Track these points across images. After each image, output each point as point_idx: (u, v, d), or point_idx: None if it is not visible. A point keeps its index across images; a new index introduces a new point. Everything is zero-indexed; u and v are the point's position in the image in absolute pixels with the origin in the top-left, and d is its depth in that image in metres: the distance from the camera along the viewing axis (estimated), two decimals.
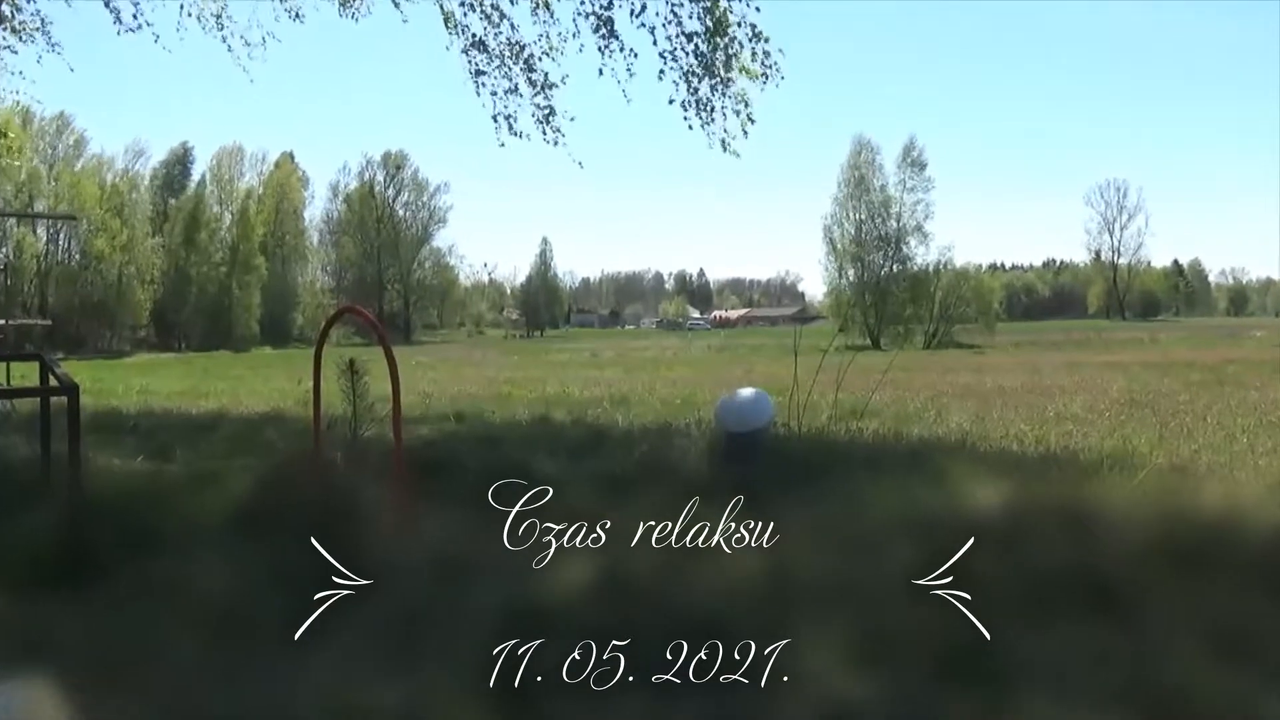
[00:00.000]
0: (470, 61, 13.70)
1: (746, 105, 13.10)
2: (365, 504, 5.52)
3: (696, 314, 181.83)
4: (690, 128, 13.09)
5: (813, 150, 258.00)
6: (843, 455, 7.32)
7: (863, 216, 77.50)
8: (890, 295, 75.32)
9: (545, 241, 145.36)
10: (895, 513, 5.55)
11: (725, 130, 13.13)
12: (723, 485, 6.40)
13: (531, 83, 13.61)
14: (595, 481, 6.66)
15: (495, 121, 13.64)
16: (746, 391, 8.35)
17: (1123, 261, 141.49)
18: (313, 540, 4.29)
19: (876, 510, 5.57)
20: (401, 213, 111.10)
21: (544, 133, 13.67)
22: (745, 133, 13.26)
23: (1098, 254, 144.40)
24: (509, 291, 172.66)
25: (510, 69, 13.59)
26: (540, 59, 13.60)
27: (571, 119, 13.69)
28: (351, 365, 5.61)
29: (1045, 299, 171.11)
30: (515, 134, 13.56)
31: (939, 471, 6.67)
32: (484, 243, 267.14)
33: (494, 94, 13.66)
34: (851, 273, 78.10)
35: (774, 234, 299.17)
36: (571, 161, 13.96)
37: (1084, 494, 5.88)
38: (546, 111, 13.60)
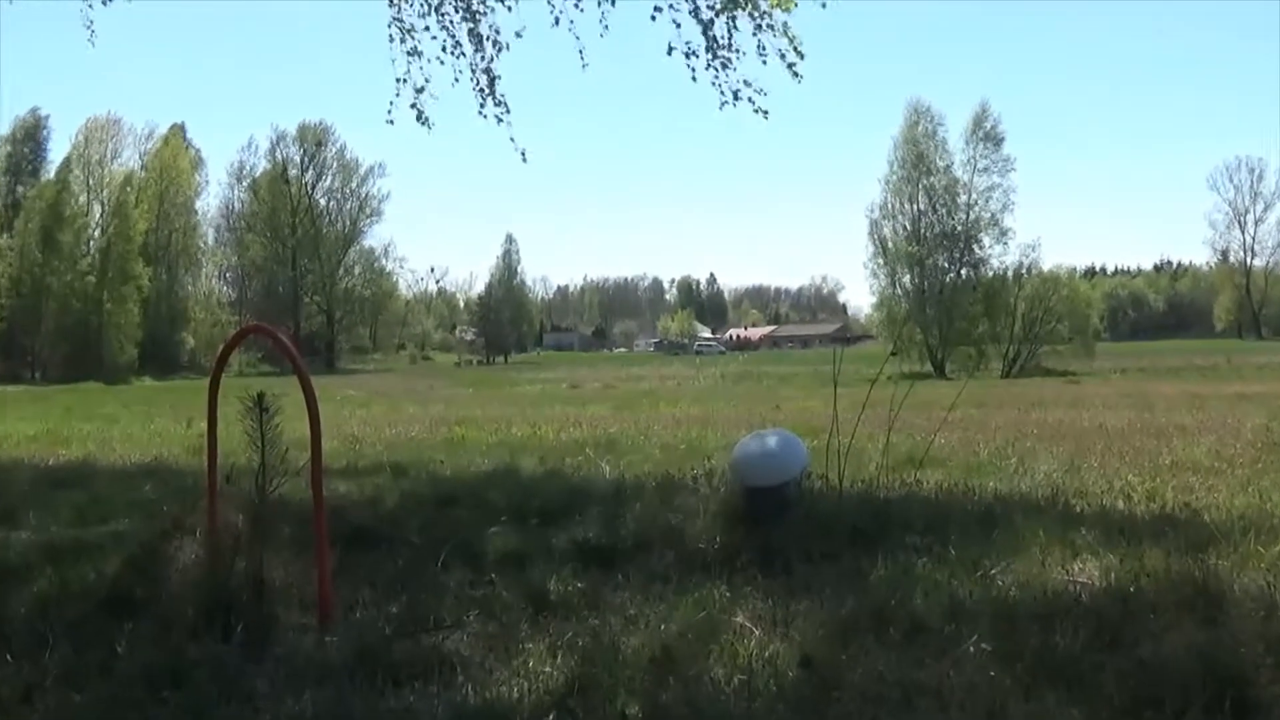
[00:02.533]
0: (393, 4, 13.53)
1: (789, 37, 12.80)
2: (272, 587, 5.50)
3: (707, 333, 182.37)
4: (695, 78, 12.99)
5: (856, 122, 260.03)
6: (897, 517, 7.28)
7: (921, 207, 77.54)
8: (958, 308, 75.26)
9: (510, 240, 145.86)
10: (965, 595, 5.53)
11: (745, 83, 12.97)
12: (740, 558, 6.39)
13: (476, 39, 13.49)
14: (573, 555, 6.64)
15: (416, 92, 13.43)
16: (771, 435, 8.32)
17: (1258, 263, 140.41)
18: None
19: (941, 593, 5.55)
20: (324, 203, 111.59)
21: (482, 106, 13.61)
22: (795, 73, 12.97)
23: (1225, 254, 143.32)
24: (464, 305, 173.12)
25: (450, 19, 13.42)
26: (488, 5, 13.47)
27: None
28: (258, 401, 5.57)
29: (1158, 313, 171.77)
30: (423, 121, 13.39)
31: (1021, 539, 6.67)
32: (431, 242, 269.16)
33: (417, 55, 13.48)
34: (907, 279, 78.09)
35: (806, 230, 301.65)
36: (523, 148, 13.73)
37: (1210, 567, 5.87)
38: (488, 79, 13.50)
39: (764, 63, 12.94)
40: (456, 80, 13.59)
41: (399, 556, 6.68)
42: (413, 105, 13.44)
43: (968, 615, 5.14)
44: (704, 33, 12.92)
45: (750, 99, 13.11)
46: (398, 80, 13.39)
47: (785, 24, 12.85)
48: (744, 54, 13.00)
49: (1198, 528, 7.06)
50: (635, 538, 6.97)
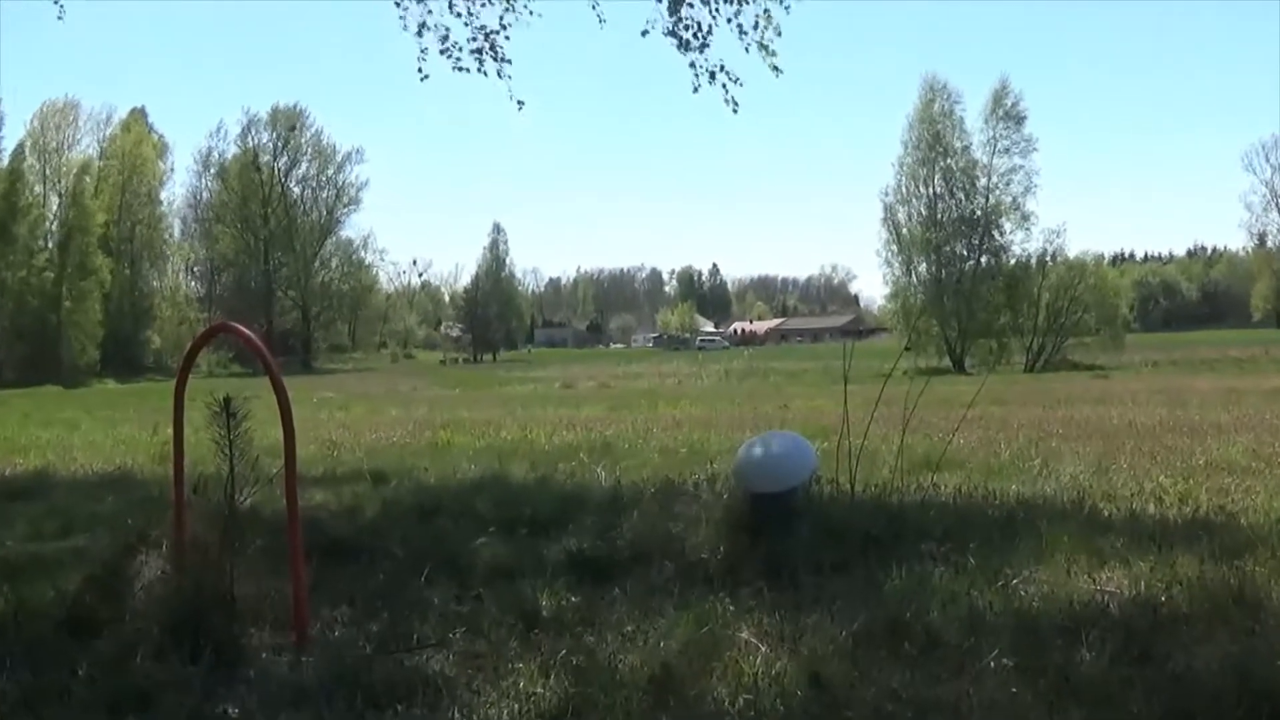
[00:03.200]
0: None
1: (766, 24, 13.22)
2: (243, 605, 5.49)
3: (709, 327, 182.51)
4: (685, 49, 13.29)
5: (869, 103, 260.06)
6: (912, 524, 7.28)
7: (938, 190, 77.67)
8: (978, 298, 75.34)
9: (498, 230, 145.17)
10: (985, 607, 5.54)
11: (723, 70, 13.34)
12: (744, 569, 6.40)
13: None
14: (566, 567, 6.64)
15: (420, 35, 13.65)
16: (777, 437, 8.33)
17: None
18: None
19: (959, 605, 5.55)
20: (298, 191, 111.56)
21: (480, 63, 13.75)
22: (774, 65, 13.36)
23: (1262, 238, 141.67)
24: (448, 299, 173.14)
25: None
26: None
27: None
28: (226, 405, 5.56)
29: (1192, 302, 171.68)
30: (451, 58, 13.62)
31: (1045, 546, 6.67)
32: (413, 233, 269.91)
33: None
34: (924, 268, 78.23)
35: (814, 216, 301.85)
36: (513, 101, 14.00)
37: (1246, 574, 5.88)
38: (487, 35, 13.62)
39: (745, 50, 13.22)
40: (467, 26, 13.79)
41: (380, 570, 6.68)
42: (443, 51, 13.76)
43: (988, 628, 5.15)
44: (670, 10, 13.19)
45: (724, 85, 13.37)
46: (418, 30, 13.69)
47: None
48: (718, 24, 13.23)
49: (1233, 532, 7.08)
50: (633, 549, 6.98)
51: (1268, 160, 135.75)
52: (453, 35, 13.81)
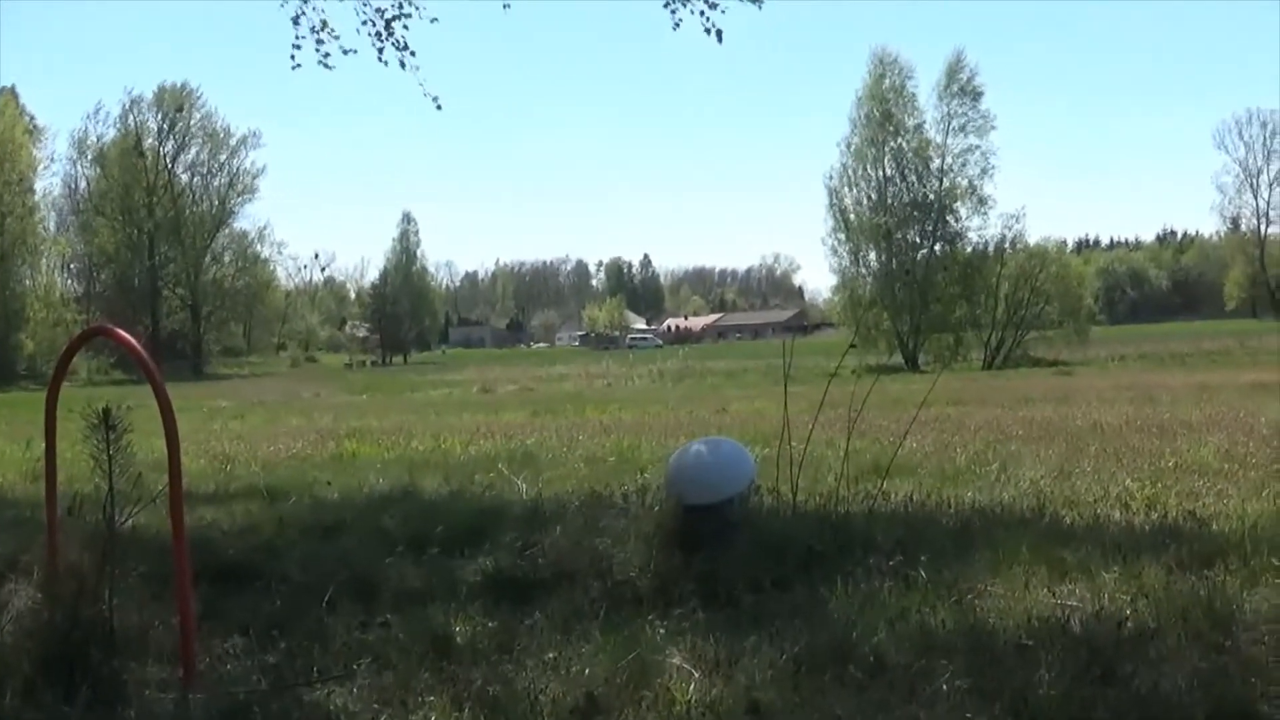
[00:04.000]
0: None
1: None
2: (124, 637, 5.43)
3: (641, 324, 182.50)
4: None
5: (812, 80, 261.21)
6: (859, 536, 7.30)
7: (888, 172, 78.24)
8: (931, 289, 75.99)
9: (408, 220, 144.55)
10: (937, 625, 5.58)
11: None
12: (677, 588, 6.41)
13: None
14: (482, 589, 6.63)
15: (295, 24, 13.47)
16: (712, 444, 8.34)
17: (1274, 232, 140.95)
18: None
19: (909, 624, 5.59)
20: (187, 179, 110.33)
21: (379, 48, 13.64)
22: None
23: (1236, 222, 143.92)
24: (354, 296, 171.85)
25: None
26: None
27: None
28: (105, 416, 5.49)
29: (1161, 291, 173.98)
30: (323, 49, 13.48)
31: (1003, 558, 6.73)
32: (315, 224, 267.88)
33: None
34: (873, 256, 78.73)
35: (754, 203, 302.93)
36: (427, 98, 13.83)
37: (1217, 585, 5.96)
38: (386, 21, 13.49)
39: None
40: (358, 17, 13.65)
41: (276, 596, 6.64)
42: (318, 47, 13.54)
43: (940, 648, 5.19)
44: None
45: (703, 11, 13.32)
46: (294, 20, 13.47)
47: None
48: None
49: (1204, 540, 7.17)
50: (555, 567, 6.97)
51: (1240, 137, 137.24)
52: (333, 22, 13.70)
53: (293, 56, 13.68)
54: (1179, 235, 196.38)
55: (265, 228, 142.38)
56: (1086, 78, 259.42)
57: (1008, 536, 7.23)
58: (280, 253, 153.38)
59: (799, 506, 7.95)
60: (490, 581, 6.77)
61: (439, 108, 14.13)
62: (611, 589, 6.48)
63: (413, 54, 13.70)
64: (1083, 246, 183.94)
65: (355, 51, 13.71)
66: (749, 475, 7.64)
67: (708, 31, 13.34)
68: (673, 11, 13.42)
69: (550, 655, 5.41)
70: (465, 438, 17.84)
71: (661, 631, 5.61)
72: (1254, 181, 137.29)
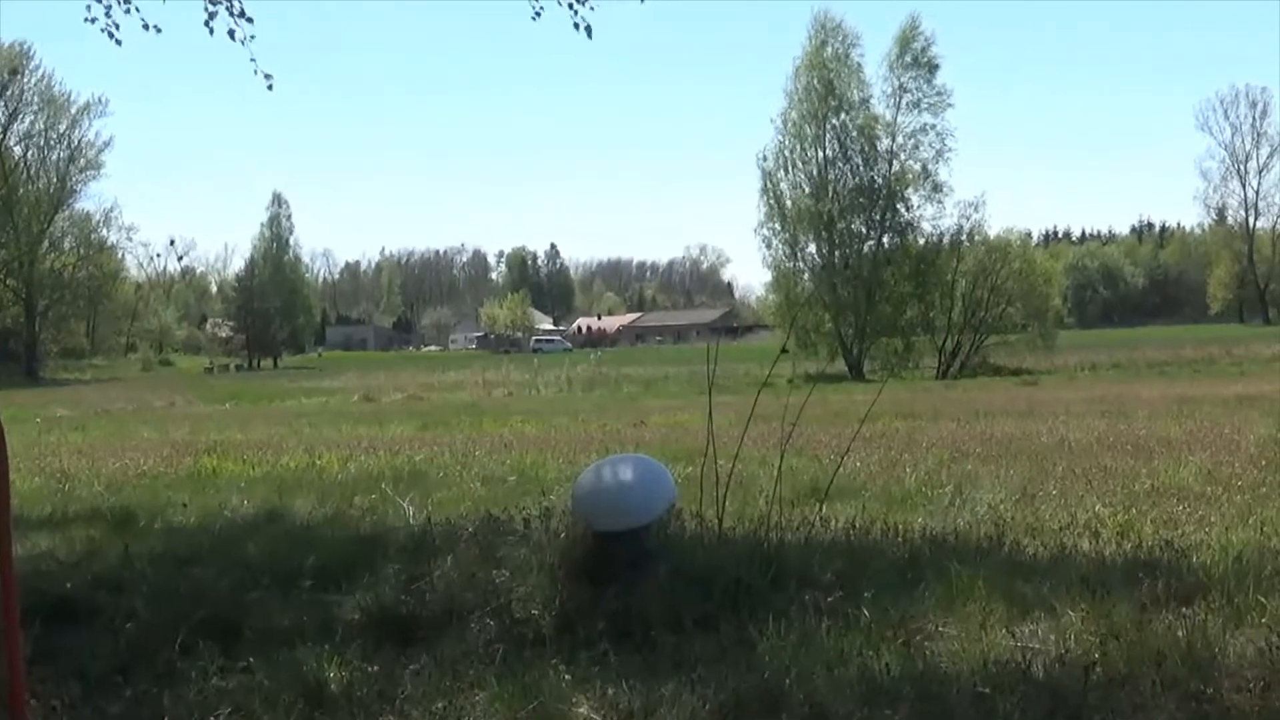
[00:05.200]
0: None
1: None
2: None
3: (547, 324, 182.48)
4: None
5: (746, 52, 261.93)
6: (794, 568, 7.31)
7: (830, 153, 78.20)
8: (880, 286, 76.12)
9: (279, 202, 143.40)
10: (881, 670, 5.61)
11: None
12: (585, 626, 6.39)
13: None
14: (361, 629, 6.59)
15: None
16: (627, 462, 8.34)
17: (1263, 224, 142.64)
18: None
19: (850, 669, 5.61)
20: (21, 151, 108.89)
21: (210, 12, 13.44)
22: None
23: (1221, 213, 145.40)
24: (216, 290, 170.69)
25: None
26: None
27: None
28: None
29: (1137, 290, 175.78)
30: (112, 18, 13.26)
31: (957, 593, 6.77)
32: (171, 207, 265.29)
33: None
34: (813, 249, 78.69)
35: (678, 186, 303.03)
36: (258, 77, 13.57)
37: (1197, 624, 6.02)
38: None
39: None
40: None
41: (121, 636, 6.56)
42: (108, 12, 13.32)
43: (886, 695, 5.22)
44: None
45: (571, 4, 13.31)
46: None
47: None
48: None
49: (1182, 573, 7.25)
50: (445, 603, 6.95)
51: (1227, 118, 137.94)
52: None
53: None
54: (1157, 228, 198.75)
55: (112, 210, 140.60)
56: (1053, 50, 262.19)
57: (962, 568, 7.26)
58: (130, 239, 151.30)
59: (726, 534, 7.96)
60: (370, 620, 6.73)
61: (270, 88, 13.88)
62: (510, 628, 6.47)
63: (249, 20, 13.47)
64: (1050, 239, 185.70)
65: (159, 30, 13.51)
66: (668, 498, 7.64)
67: (576, 27, 13.34)
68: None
69: (439, 705, 5.40)
70: (344, 453, 17.78)
71: (567, 677, 5.60)
72: (1241, 168, 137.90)
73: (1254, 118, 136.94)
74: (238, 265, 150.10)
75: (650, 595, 6.66)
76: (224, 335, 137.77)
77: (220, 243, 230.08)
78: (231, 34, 13.33)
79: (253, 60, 13.58)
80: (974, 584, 6.84)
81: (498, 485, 12.98)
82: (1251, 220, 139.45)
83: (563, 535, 7.84)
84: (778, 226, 77.85)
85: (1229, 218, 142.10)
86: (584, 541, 7.34)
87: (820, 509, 9.27)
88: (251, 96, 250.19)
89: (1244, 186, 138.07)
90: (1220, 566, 7.29)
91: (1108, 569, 7.51)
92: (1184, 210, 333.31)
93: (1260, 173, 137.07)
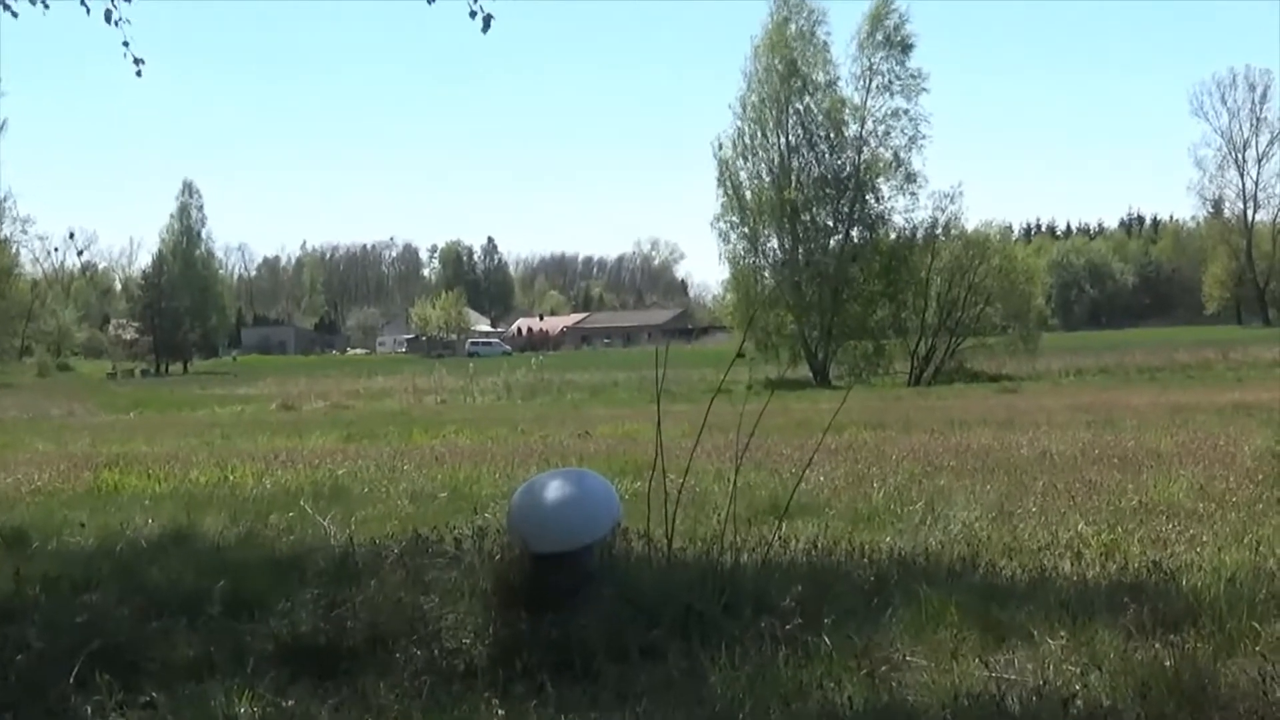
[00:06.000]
0: None
1: None
2: None
3: (485, 325, 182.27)
4: None
5: (701, 32, 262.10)
6: (750, 592, 7.32)
7: (793, 140, 78.24)
8: (848, 285, 76.20)
9: (190, 191, 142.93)
10: (843, 704, 5.62)
11: None
12: (522, 656, 6.39)
13: None
14: (276, 660, 6.56)
15: None
16: (567, 477, 8.34)
17: (1262, 218, 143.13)
18: None
19: (809, 702, 5.62)
20: None
21: None
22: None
23: (1218, 205, 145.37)
24: (121, 288, 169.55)
25: None
26: None
27: None
28: None
29: (1127, 290, 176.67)
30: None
31: (927, 619, 6.80)
32: (72, 197, 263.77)
33: None
34: (775, 244, 78.79)
35: (628, 174, 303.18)
36: (128, 58, 13.47)
37: (1186, 653, 6.05)
38: None
39: None
40: None
41: (10, 669, 6.51)
42: None
43: None
44: None
45: None
46: None
47: None
48: None
49: (1171, 597, 7.30)
50: (369, 632, 6.93)
51: (1224, 102, 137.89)
52: None
53: None
54: (1148, 221, 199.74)
55: (5, 199, 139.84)
56: (1034, 30, 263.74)
57: (933, 593, 7.30)
58: (25, 232, 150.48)
59: (676, 555, 7.98)
60: (286, 651, 6.71)
61: (139, 74, 13.85)
62: (439, 659, 6.46)
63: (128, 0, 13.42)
64: (1031, 233, 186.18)
65: (46, 5, 13.45)
66: (613, 516, 7.65)
67: (473, 15, 13.27)
68: None
69: None
70: (259, 467, 17.74)
71: (501, 712, 5.61)
72: (1239, 156, 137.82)
73: (1253, 102, 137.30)
74: (144, 261, 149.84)
75: (592, 622, 6.65)
76: (129, 338, 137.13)
77: (125, 236, 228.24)
78: (108, 16, 13.30)
79: (125, 44, 13.53)
80: (945, 609, 6.86)
81: (428, 502, 12.98)
82: (1250, 213, 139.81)
83: (498, 557, 7.84)
84: (736, 219, 77.79)
85: (1226, 210, 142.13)
86: (520, 564, 7.34)
87: (779, 528, 9.29)
88: (159, 78, 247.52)
89: (1242, 176, 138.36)
90: (1212, 590, 7.33)
91: (1090, 593, 7.55)
92: (1177, 202, 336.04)
93: (1260, 161, 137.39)
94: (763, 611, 6.91)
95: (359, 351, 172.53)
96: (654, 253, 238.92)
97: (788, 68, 76.69)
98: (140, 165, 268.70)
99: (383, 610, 7.26)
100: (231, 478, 16.36)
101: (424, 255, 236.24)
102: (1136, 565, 8.45)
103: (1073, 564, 8.73)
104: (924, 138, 76.11)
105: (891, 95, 76.40)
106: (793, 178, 76.79)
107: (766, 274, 78.43)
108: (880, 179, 76.84)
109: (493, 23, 13.15)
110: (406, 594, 7.49)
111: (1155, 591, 7.45)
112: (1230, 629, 6.50)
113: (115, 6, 13.26)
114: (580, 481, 8.02)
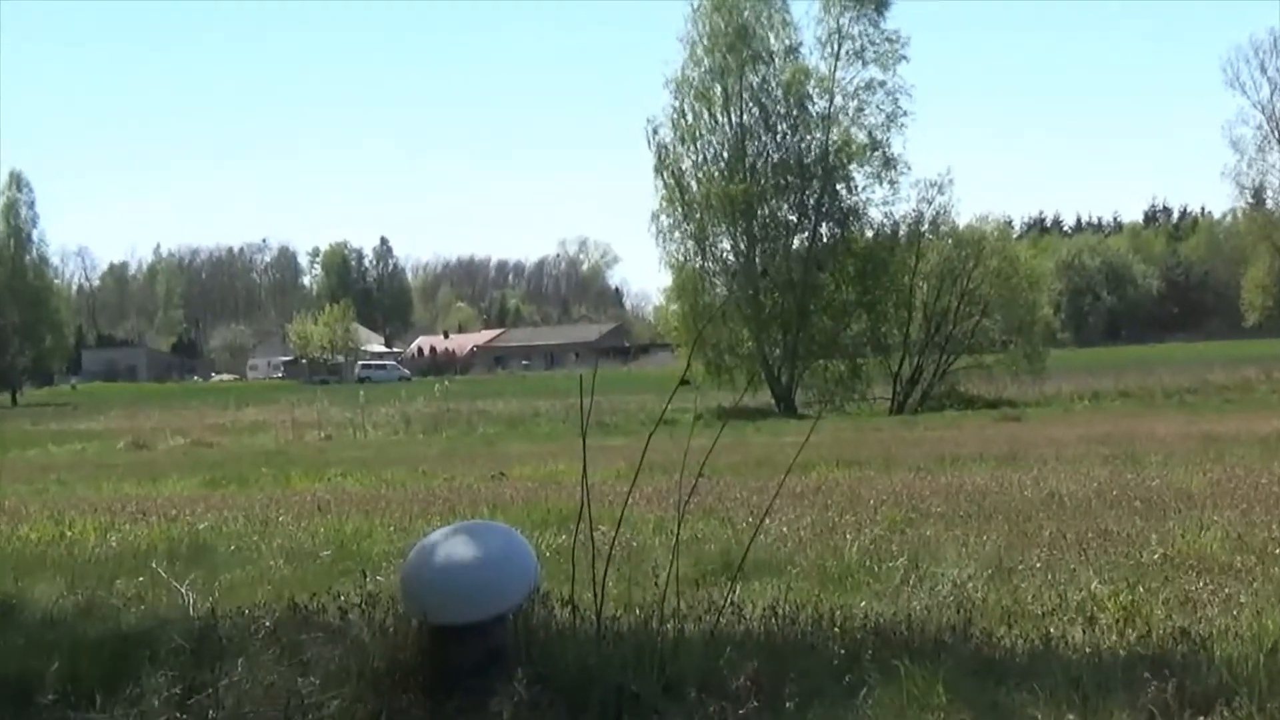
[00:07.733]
0: None
1: None
2: None
3: (378, 345, 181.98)
4: None
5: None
6: (694, 672, 7.34)
7: (748, 119, 77.81)
8: (816, 293, 76.06)
9: (19, 183, 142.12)
10: None
11: None
12: None
13: None
14: None
15: None
16: (476, 532, 8.35)
17: None
18: None
19: None
20: None
21: None
22: None
23: (1259, 194, 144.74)
24: None
25: None
26: None
27: None
28: None
29: (1151, 297, 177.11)
30: None
31: (908, 700, 6.82)
32: None
33: None
34: (727, 244, 78.32)
35: (549, 163, 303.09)
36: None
37: None
38: None
39: None
40: None
41: None
42: None
43: None
44: None
45: None
46: None
47: None
48: None
49: (1201, 671, 7.33)
50: None
51: (1263, 71, 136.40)
52: None
53: None
54: (1175, 214, 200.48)
55: None
56: None
57: (916, 669, 7.31)
58: None
59: (607, 626, 7.98)
60: None
61: None
62: None
63: None
64: (1035, 229, 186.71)
65: None
66: (529, 579, 7.67)
67: None
68: None
69: None
70: (104, 520, 17.69)
71: None
72: None
73: None
74: None
75: (505, 709, 6.66)
76: None
77: None
78: None
79: None
80: (931, 689, 6.88)
81: (307, 562, 12.97)
82: None
83: (391, 631, 7.84)
84: (679, 215, 76.46)
85: (1269, 200, 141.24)
86: (418, 639, 7.35)
87: (732, 590, 9.32)
88: None
89: None
90: (1249, 662, 7.36)
91: (1105, 666, 7.58)
92: (1209, 191, 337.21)
93: None
94: (710, 694, 6.93)
95: (226, 377, 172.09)
96: (582, 256, 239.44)
97: (737, 32, 75.27)
98: None
99: (251, 697, 7.25)
100: (69, 534, 16.31)
101: (303, 260, 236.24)
102: (1160, 633, 8.49)
103: (1085, 631, 8.77)
104: (905, 115, 75.07)
105: (864, 64, 75.68)
106: (746, 165, 76.28)
107: (717, 281, 77.98)
108: (853, 165, 76.05)
109: None
110: (281, 676, 7.49)
111: (1182, 664, 7.48)
112: (1271, 709, 6.53)
113: None
114: (490, 537, 8.04)
